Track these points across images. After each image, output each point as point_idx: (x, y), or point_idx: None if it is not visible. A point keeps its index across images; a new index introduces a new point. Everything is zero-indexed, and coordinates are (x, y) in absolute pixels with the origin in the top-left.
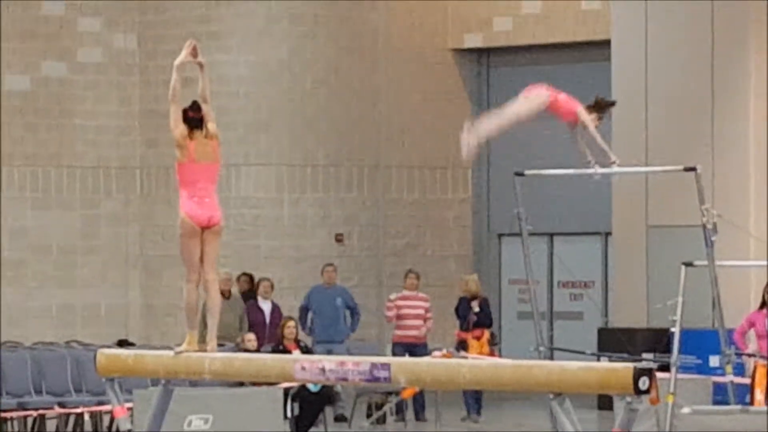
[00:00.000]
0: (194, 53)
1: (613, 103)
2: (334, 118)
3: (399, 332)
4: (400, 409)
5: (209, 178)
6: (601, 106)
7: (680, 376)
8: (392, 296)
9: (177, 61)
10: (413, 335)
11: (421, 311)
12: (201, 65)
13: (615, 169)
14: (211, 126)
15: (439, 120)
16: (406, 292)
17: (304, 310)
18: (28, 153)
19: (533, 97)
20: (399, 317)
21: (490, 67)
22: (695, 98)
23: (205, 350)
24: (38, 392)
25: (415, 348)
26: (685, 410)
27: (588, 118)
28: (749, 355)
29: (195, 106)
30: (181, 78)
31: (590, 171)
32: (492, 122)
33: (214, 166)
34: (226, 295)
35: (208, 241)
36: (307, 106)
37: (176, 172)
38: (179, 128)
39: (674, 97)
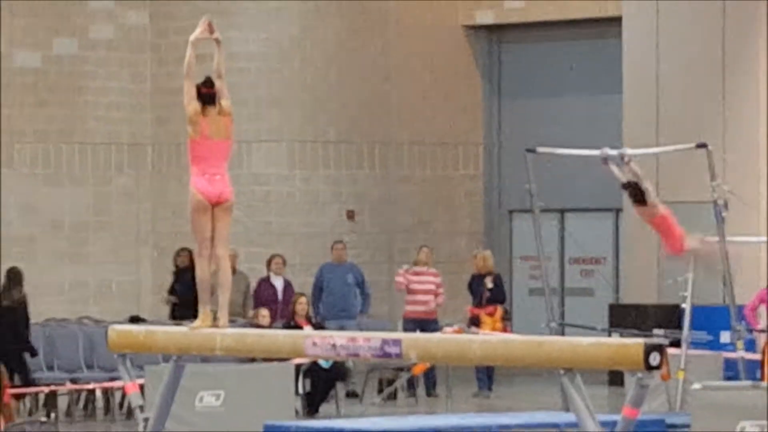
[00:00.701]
0: (210, 29)
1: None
2: (345, 95)
3: (409, 307)
4: (411, 385)
5: (221, 155)
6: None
7: (691, 352)
8: (404, 267)
9: (192, 37)
10: (423, 310)
11: (431, 286)
12: (218, 41)
13: (628, 150)
14: (224, 102)
15: (450, 97)
16: (417, 268)
17: (317, 289)
18: (39, 130)
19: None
20: (410, 292)
21: (502, 44)
22: (706, 76)
23: (217, 326)
24: (50, 368)
25: (425, 323)
26: (696, 386)
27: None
28: (760, 331)
29: (208, 82)
30: (196, 54)
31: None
32: None
33: (226, 143)
34: (231, 271)
35: (218, 218)
36: (318, 83)
37: (188, 148)
38: (192, 104)
39: (685, 75)
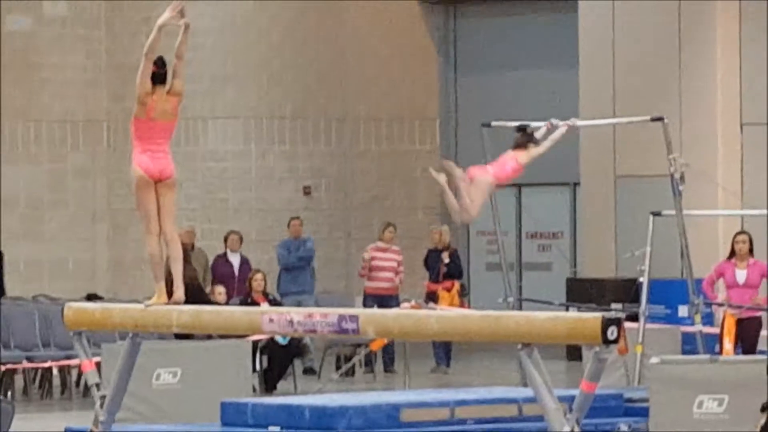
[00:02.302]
0: (182, 14)
1: (526, 128)
2: (300, 71)
3: (370, 284)
4: (369, 361)
5: (164, 135)
6: (528, 136)
7: (649, 326)
8: (366, 255)
9: (161, 21)
10: (384, 287)
11: (393, 263)
12: (187, 26)
13: (581, 122)
14: (177, 83)
15: (406, 72)
16: (381, 244)
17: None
18: None
19: (479, 185)
20: (371, 269)
21: (457, 19)
22: (663, 47)
23: (176, 301)
24: (6, 347)
25: (386, 300)
26: (654, 360)
27: (535, 152)
28: (718, 305)
29: (160, 61)
30: (148, 31)
31: (547, 123)
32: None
33: (171, 123)
34: (189, 248)
35: (162, 194)
36: (273, 59)
37: (131, 125)
38: (144, 84)
39: (641, 48)
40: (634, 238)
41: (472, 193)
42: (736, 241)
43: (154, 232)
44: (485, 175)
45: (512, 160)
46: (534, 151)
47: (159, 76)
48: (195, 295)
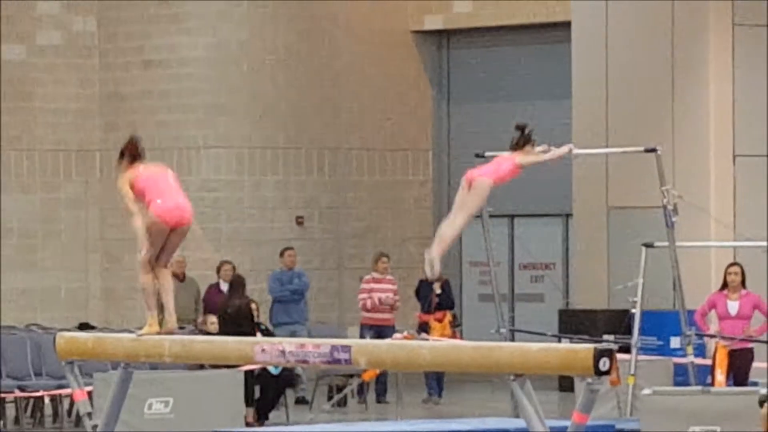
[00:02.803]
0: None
1: (525, 126)
2: (293, 101)
3: (367, 314)
4: (361, 392)
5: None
6: (526, 137)
7: (641, 357)
8: (364, 286)
9: (141, 259)
10: (382, 318)
11: (390, 294)
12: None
13: (576, 150)
14: None
15: (399, 102)
16: (376, 275)
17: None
18: None
19: (478, 189)
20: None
21: (451, 49)
22: (656, 79)
23: (169, 330)
24: None
25: (383, 330)
26: (646, 391)
27: (534, 158)
28: (710, 336)
29: (133, 141)
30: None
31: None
32: (448, 235)
33: (167, 171)
34: (180, 277)
35: (173, 237)
36: (266, 89)
37: (135, 197)
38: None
39: (634, 78)
40: (626, 269)
41: (469, 201)
42: (728, 272)
43: (150, 266)
44: (483, 178)
45: (508, 161)
46: (533, 156)
47: (135, 156)
48: (244, 323)
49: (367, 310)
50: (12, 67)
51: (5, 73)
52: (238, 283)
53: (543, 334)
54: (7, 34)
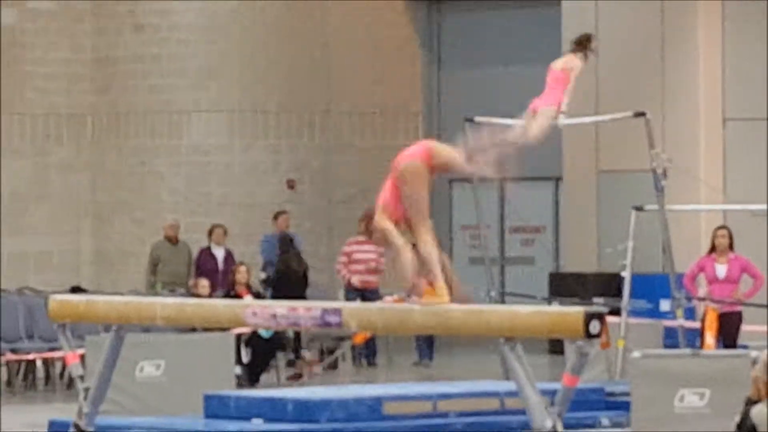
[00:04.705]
0: None
1: (591, 36)
2: (284, 66)
3: (352, 276)
4: (352, 355)
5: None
6: (582, 43)
7: (631, 320)
8: (342, 256)
9: None
10: (366, 280)
11: (373, 255)
12: None
13: (565, 120)
14: None
15: (390, 67)
16: (360, 237)
17: (269, 265)
18: None
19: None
20: (352, 261)
21: (441, 13)
22: (645, 44)
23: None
24: None
25: (368, 292)
26: (636, 354)
27: (575, 68)
28: (700, 299)
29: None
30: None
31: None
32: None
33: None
34: (173, 241)
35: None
36: (257, 53)
37: None
38: None
39: (624, 43)
40: (616, 232)
41: (534, 126)
42: (716, 235)
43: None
44: (550, 102)
45: (560, 70)
46: (578, 64)
47: None
48: (299, 285)
49: (348, 272)
50: (3, 32)
51: None
52: (286, 240)
53: (533, 297)
54: None
